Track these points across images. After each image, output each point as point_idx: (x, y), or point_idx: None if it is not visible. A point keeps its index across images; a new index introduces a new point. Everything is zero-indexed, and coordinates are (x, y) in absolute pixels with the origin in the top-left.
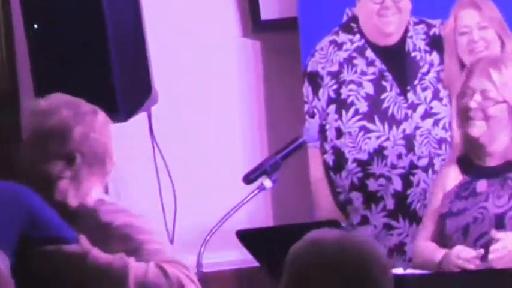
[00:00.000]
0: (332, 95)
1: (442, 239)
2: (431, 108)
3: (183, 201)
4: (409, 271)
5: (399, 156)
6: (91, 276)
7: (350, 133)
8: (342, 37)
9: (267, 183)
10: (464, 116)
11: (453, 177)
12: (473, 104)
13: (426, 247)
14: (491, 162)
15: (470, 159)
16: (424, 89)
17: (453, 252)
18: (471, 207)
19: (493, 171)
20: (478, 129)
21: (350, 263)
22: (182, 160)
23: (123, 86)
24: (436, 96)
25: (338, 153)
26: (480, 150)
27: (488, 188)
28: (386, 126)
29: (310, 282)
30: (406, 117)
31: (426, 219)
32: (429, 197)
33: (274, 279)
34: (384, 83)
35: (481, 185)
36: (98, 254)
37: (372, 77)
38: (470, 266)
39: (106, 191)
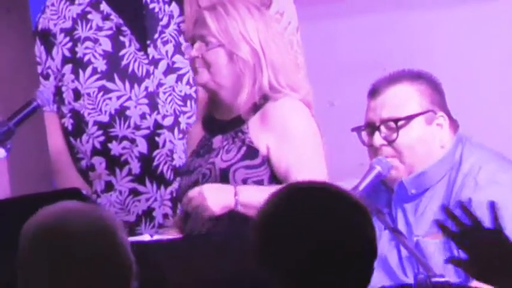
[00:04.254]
0: (67, 53)
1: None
2: (173, 63)
3: None
4: (157, 237)
5: (143, 116)
6: None
7: (89, 94)
8: None
9: (0, 152)
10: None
11: (197, 135)
12: (193, 52)
13: None
14: (230, 115)
15: (213, 115)
16: (165, 43)
17: None
18: (204, 164)
19: (228, 125)
20: (200, 76)
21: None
22: None
23: None
24: (177, 50)
25: (77, 116)
26: (220, 103)
27: (221, 143)
28: (127, 84)
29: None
30: (148, 74)
31: None
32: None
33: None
34: (122, 38)
35: (217, 140)
36: None
37: (109, 32)
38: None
39: None
